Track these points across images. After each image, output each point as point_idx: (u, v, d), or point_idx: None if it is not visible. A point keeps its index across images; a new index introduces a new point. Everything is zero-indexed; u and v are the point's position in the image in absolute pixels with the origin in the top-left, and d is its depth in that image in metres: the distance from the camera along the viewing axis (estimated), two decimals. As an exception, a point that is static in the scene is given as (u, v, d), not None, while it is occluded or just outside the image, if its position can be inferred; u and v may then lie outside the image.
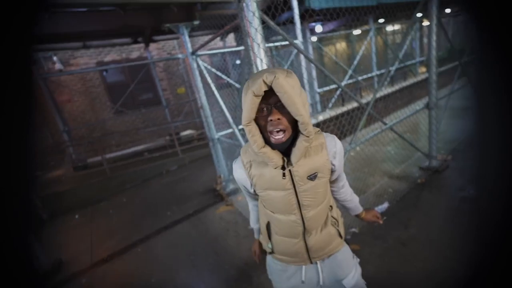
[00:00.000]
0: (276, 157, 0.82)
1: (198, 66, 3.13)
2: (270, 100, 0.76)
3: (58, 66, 5.08)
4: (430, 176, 2.92)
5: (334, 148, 0.90)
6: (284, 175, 0.85)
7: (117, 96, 6.78)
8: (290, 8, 3.34)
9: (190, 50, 3.12)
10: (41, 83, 5.27)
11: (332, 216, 1.02)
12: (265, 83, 0.73)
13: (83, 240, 3.06)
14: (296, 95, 0.74)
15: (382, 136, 3.24)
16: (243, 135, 3.39)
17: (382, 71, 8.13)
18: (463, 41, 9.68)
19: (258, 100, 0.75)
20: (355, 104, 5.59)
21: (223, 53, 7.62)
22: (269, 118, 0.76)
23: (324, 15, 4.52)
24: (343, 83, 6.48)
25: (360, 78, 7.82)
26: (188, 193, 3.81)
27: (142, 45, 5.50)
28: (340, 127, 4.39)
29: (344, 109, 4.58)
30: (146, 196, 4.10)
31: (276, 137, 0.77)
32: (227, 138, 3.41)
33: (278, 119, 0.76)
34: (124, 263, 2.53)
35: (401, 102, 6.39)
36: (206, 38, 5.74)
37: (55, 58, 5.02)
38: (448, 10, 8.38)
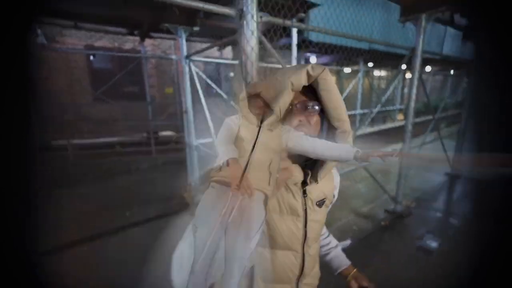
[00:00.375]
0: (296, 170, 0.68)
1: (190, 70, 3.11)
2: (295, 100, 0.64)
3: (40, 39, 4.81)
4: (393, 220, 3.02)
5: (337, 178, 0.83)
6: (305, 192, 0.71)
7: (100, 83, 6.49)
8: (288, 35, 3.46)
9: (185, 53, 3.10)
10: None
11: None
12: (308, 75, 0.60)
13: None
14: (340, 97, 0.63)
15: (356, 173, 3.34)
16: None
17: (365, 110, 8.59)
18: (438, 98, 10.55)
19: (292, 96, 0.61)
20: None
21: (217, 63, 7.68)
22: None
23: (320, 48, 4.73)
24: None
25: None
26: (153, 196, 3.63)
27: (137, 37, 5.40)
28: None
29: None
30: (108, 191, 3.85)
31: None
32: (206, 148, 3.34)
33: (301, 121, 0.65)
34: (63, 263, 2.29)
35: (378, 144, 6.71)
36: (204, 45, 5.76)
37: (39, 31, 4.75)
38: (428, 68, 9.17)
